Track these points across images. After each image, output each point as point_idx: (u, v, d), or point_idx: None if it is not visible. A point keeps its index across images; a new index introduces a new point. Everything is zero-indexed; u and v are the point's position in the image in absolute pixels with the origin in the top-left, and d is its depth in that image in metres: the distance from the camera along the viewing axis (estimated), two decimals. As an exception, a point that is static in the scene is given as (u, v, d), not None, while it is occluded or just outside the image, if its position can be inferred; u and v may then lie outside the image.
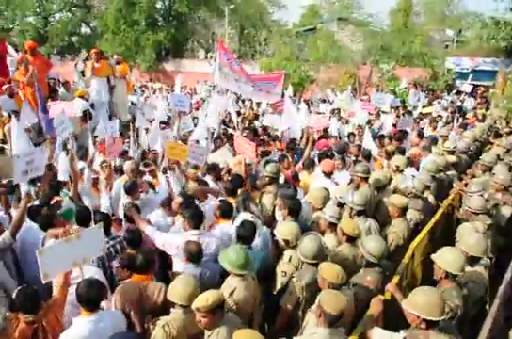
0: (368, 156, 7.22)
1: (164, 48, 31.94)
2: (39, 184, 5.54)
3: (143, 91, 17.67)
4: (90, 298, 3.18)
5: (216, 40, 33.08)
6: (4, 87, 9.30)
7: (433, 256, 3.75)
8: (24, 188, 4.81)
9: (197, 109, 12.98)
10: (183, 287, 3.26)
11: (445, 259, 3.64)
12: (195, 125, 9.50)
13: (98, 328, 3.14)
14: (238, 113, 11.73)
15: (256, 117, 12.66)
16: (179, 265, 4.15)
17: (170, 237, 4.31)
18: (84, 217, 4.50)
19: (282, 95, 9.69)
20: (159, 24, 32.04)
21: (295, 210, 4.74)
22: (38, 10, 37.47)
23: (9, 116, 8.34)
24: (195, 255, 3.91)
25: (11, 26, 36.58)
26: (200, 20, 33.77)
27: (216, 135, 8.60)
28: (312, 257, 3.84)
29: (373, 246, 3.90)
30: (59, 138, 6.53)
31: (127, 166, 5.95)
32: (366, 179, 5.82)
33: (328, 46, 22.74)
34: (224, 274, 3.82)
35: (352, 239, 4.27)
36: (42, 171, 4.96)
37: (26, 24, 36.98)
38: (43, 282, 3.22)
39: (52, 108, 7.38)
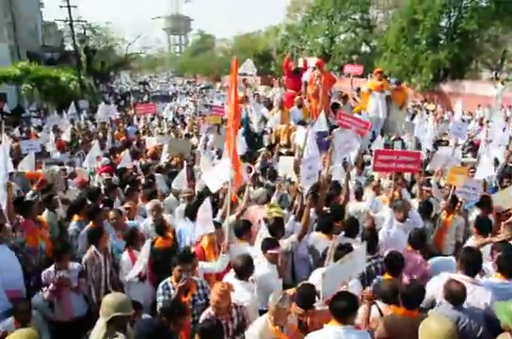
0: None
1: (443, 68, 30.45)
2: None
3: (415, 111, 17.24)
4: (341, 309, 3.22)
5: (507, 58, 29.52)
6: (296, 98, 10.54)
7: None
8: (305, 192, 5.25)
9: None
10: (438, 329, 2.90)
11: None
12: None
13: (342, 340, 3.14)
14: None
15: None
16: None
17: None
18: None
19: None
20: (441, 42, 30.69)
21: None
22: (326, 32, 41.63)
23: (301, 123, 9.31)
24: (455, 296, 3.52)
25: (303, 47, 41.70)
26: (489, 37, 30.79)
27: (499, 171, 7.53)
28: None
29: None
30: (339, 152, 6.71)
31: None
32: None
33: None
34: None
35: None
36: (316, 178, 5.35)
37: (315, 45, 41.76)
38: (322, 301, 3.42)
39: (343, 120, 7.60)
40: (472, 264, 3.85)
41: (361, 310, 3.51)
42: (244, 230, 4.79)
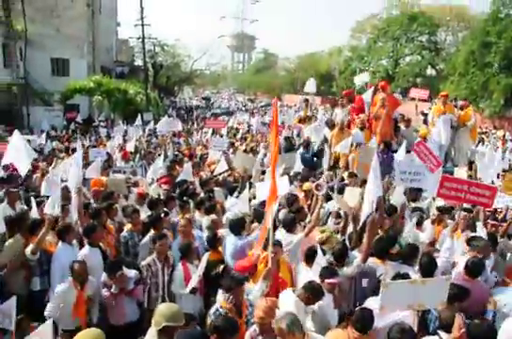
0: None
1: (515, 92, 28.86)
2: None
3: (482, 139, 16.43)
4: None
5: None
6: (357, 120, 10.38)
7: None
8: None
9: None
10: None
11: None
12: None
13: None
14: None
15: None
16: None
17: None
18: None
19: None
20: (515, 65, 29.20)
21: None
22: (391, 54, 41.16)
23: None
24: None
25: (366, 68, 41.35)
26: None
27: None
28: None
29: None
30: (401, 178, 6.48)
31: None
32: None
33: None
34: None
35: None
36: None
37: (379, 66, 41.36)
38: (380, 312, 3.29)
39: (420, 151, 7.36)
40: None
41: None
42: (313, 257, 4.65)
